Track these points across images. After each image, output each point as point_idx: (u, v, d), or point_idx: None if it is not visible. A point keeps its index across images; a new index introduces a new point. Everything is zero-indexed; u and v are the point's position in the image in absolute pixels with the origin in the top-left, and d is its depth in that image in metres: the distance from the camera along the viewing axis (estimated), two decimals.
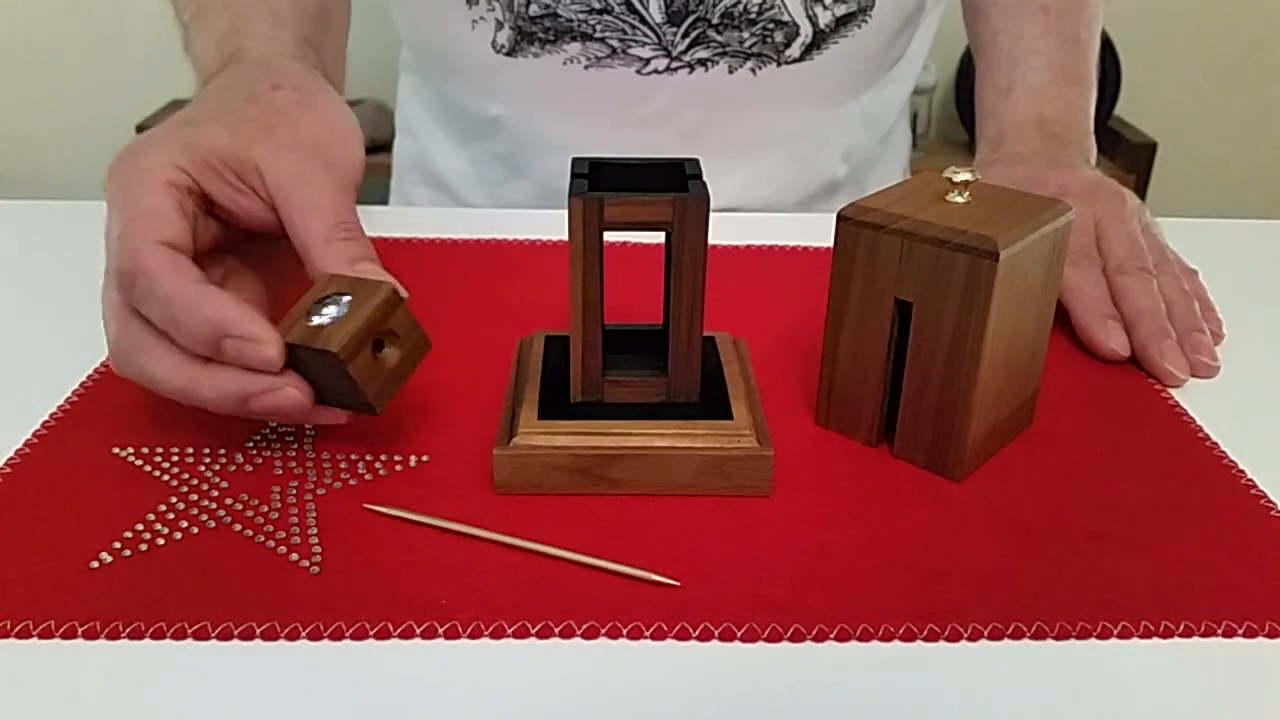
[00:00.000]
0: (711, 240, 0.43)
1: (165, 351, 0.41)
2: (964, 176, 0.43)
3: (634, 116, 0.74)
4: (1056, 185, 0.60)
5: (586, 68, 0.72)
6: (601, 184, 0.42)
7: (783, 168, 0.79)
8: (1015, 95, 0.71)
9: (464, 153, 0.82)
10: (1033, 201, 0.43)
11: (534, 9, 0.70)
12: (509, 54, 0.72)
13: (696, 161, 0.43)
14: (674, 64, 0.72)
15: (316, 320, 0.40)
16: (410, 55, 0.84)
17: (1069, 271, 0.55)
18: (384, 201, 0.88)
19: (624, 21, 0.69)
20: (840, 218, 0.43)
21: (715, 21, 0.70)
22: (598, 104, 0.74)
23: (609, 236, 0.41)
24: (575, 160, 0.43)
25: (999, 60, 0.73)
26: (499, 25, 0.71)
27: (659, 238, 0.44)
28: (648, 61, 0.71)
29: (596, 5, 0.69)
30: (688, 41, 0.70)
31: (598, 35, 0.70)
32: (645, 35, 0.70)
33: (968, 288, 0.40)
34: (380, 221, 0.69)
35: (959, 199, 0.43)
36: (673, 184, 0.42)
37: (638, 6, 0.69)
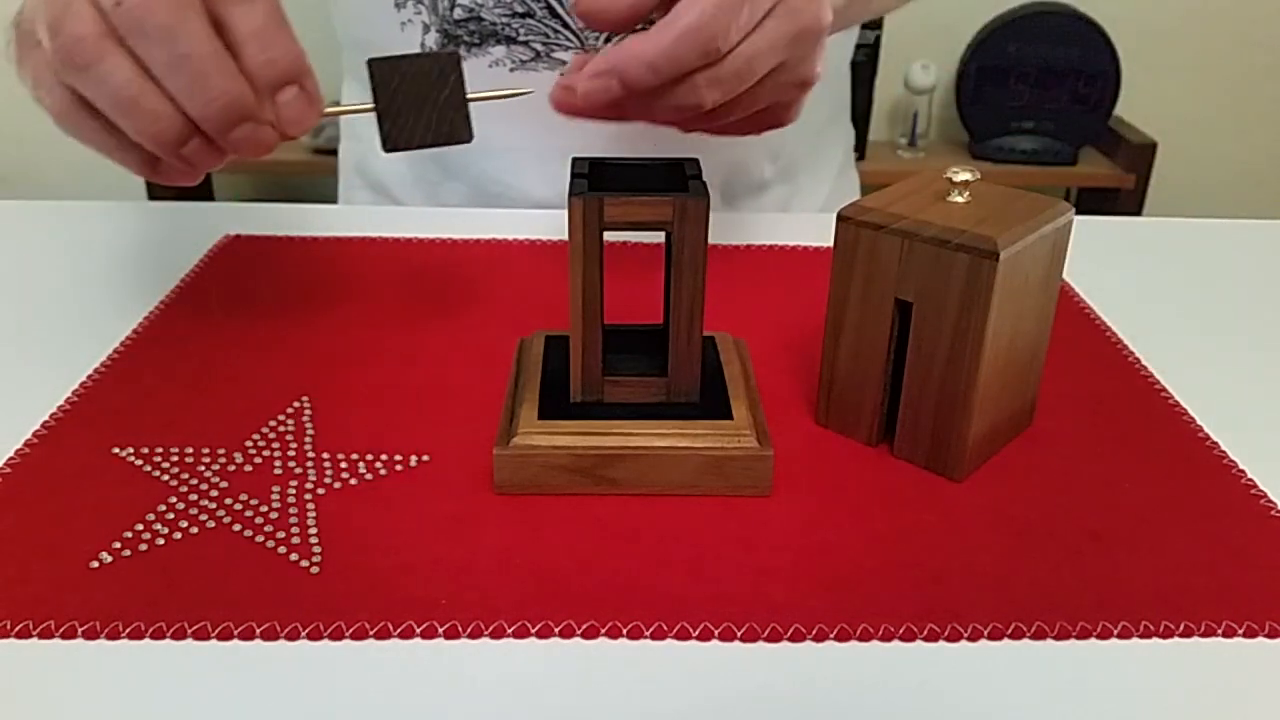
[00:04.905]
0: (711, 240, 0.43)
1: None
2: (964, 176, 0.43)
3: (561, 119, 0.74)
4: None
5: (511, 70, 0.72)
6: (601, 184, 0.42)
7: (709, 169, 0.78)
8: None
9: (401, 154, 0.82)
10: (1033, 201, 0.43)
11: (459, 12, 0.70)
12: None
13: (696, 161, 0.43)
14: None
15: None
16: (349, 59, 0.85)
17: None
18: (333, 203, 0.88)
19: (546, 25, 0.69)
20: (840, 218, 0.43)
21: (638, 27, 0.69)
22: (524, 107, 0.73)
23: (609, 236, 0.41)
24: (575, 160, 0.43)
25: None
26: (426, 28, 0.71)
27: (659, 238, 0.44)
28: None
29: (519, 9, 0.70)
30: (610, 45, 0.70)
31: (521, 39, 0.70)
32: (567, 39, 0.70)
33: (968, 288, 0.40)
34: (373, 221, 0.70)
35: (959, 199, 0.43)
36: (672, 184, 0.42)
37: (559, 11, 0.69)
